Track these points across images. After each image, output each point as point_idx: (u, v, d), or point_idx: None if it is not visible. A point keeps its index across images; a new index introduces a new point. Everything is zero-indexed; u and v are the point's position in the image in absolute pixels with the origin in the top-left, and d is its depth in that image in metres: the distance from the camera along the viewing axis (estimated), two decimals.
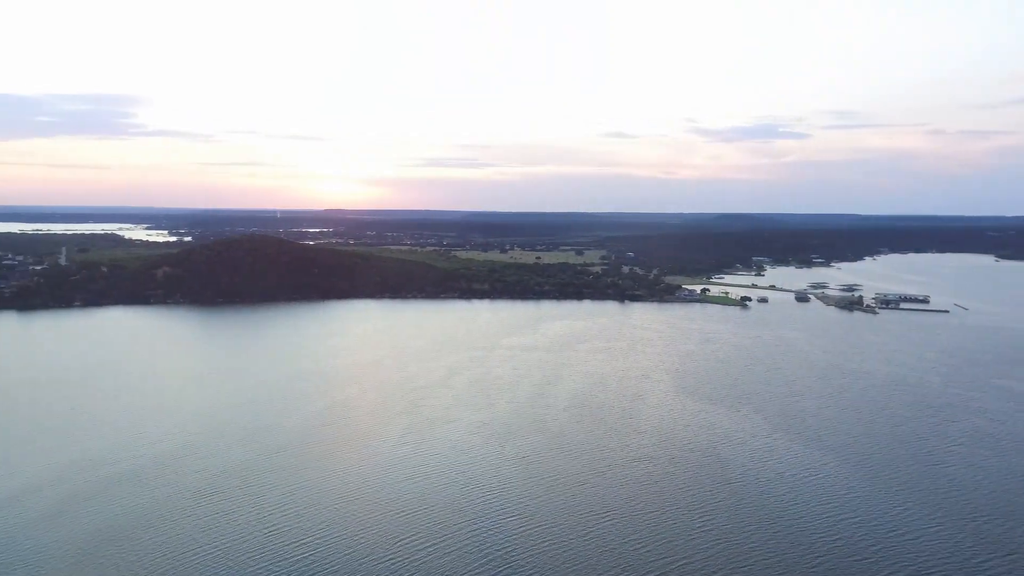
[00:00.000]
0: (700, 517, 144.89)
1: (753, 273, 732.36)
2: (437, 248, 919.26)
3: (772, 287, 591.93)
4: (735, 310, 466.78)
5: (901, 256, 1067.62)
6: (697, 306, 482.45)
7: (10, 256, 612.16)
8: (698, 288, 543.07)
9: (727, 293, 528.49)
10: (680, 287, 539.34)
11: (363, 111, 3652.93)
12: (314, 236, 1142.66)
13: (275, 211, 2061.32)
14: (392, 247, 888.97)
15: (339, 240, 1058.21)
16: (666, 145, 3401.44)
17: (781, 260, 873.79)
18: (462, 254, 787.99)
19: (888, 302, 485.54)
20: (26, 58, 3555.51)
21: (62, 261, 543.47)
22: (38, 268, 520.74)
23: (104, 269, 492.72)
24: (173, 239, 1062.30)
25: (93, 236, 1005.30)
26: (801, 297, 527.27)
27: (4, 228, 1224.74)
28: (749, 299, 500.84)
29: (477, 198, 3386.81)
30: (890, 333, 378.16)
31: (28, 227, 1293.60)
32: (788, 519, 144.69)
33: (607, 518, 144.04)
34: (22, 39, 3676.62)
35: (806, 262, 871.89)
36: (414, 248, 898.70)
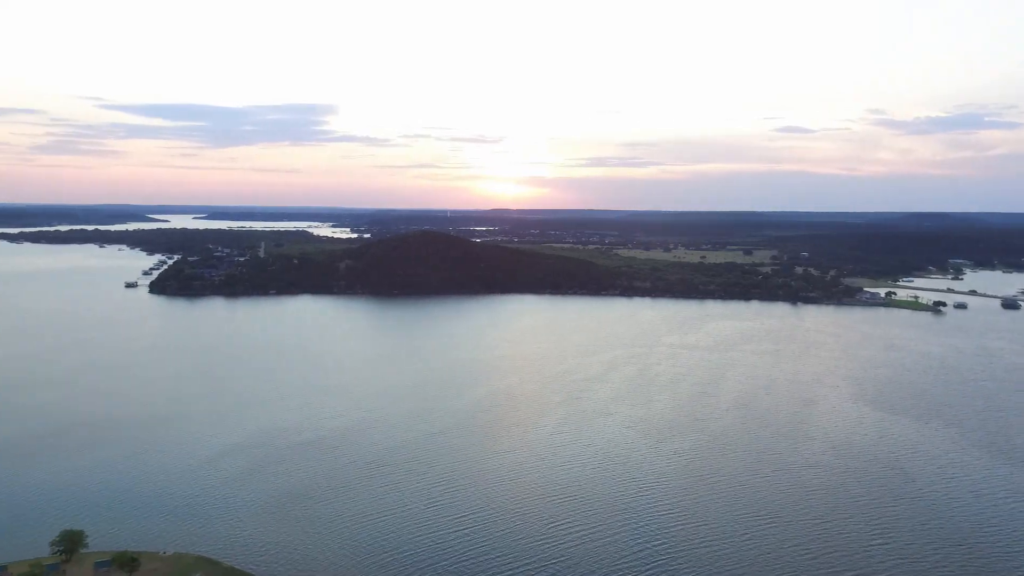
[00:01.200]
0: (876, 531, 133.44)
1: (949, 277, 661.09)
2: (599, 246, 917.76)
3: (972, 292, 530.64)
4: (926, 316, 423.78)
5: None
6: (881, 310, 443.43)
7: (220, 249, 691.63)
8: (882, 291, 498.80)
9: (917, 297, 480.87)
10: (861, 289, 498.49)
11: (529, 113, 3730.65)
12: (480, 234, 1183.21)
13: (445, 211, 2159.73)
14: (554, 245, 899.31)
15: (504, 238, 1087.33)
16: (847, 139, 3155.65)
17: (984, 263, 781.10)
18: (624, 252, 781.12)
19: None
20: (236, 74, 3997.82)
21: (261, 254, 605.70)
22: (241, 260, 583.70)
23: (295, 261, 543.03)
24: (354, 236, 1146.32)
25: (286, 233, 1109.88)
26: (1009, 303, 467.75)
27: (215, 225, 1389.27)
28: (944, 304, 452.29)
29: (640, 197, 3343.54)
30: None
31: (234, 224, 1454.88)
32: (984, 544, 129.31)
33: (770, 522, 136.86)
34: (233, 57, 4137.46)
35: (1016, 266, 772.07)
36: (576, 246, 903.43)
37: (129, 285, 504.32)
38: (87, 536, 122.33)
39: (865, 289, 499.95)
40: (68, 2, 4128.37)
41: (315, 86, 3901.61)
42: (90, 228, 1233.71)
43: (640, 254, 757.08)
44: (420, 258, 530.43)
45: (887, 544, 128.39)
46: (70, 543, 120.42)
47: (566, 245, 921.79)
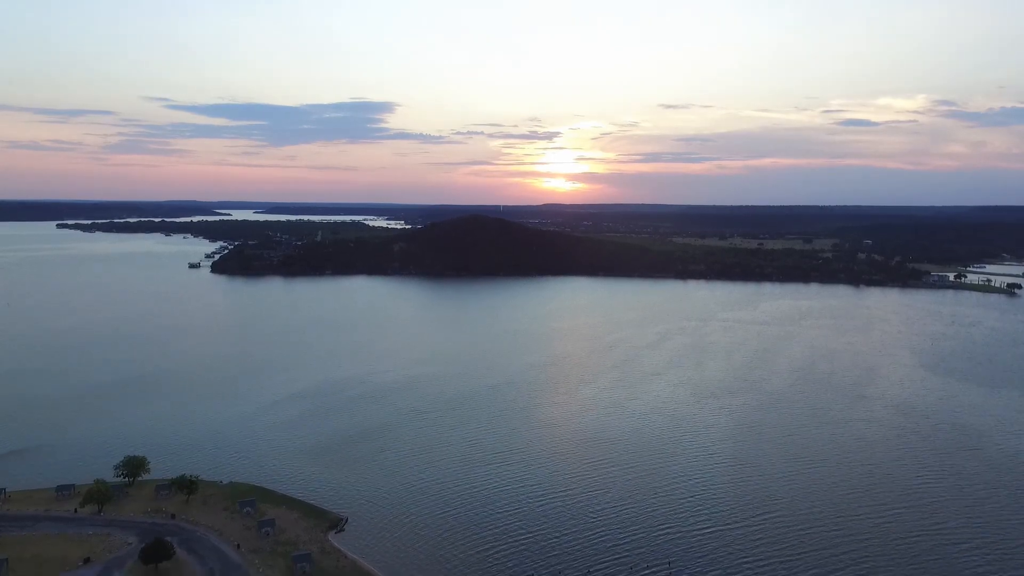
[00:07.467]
0: (931, 475, 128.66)
1: None
2: (653, 235, 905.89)
3: None
4: (999, 297, 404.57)
5: None
6: (949, 292, 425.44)
7: (278, 235, 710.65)
8: (951, 275, 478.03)
9: (989, 280, 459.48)
10: (928, 273, 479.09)
11: (582, 110, 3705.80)
12: (533, 227, 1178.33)
13: (498, 206, 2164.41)
14: (608, 235, 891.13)
15: (557, 230, 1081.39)
16: (913, 133, 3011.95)
17: None
18: (679, 239, 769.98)
19: None
20: (295, 74, 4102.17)
21: (319, 239, 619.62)
22: (299, 243, 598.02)
23: (351, 244, 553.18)
24: (408, 227, 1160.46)
25: (343, 224, 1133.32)
26: None
27: (273, 218, 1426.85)
28: (1019, 287, 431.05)
29: (695, 192, 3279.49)
30: None
31: (292, 218, 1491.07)
32: None
33: (816, 465, 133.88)
34: (292, 57, 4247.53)
35: None
36: (629, 235, 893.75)
37: (192, 266, 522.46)
38: (149, 463, 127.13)
39: (932, 273, 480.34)
40: (136, 8, 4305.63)
41: (371, 85, 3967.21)
42: (157, 220, 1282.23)
43: (695, 241, 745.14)
44: (474, 241, 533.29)
45: (940, 485, 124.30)
46: (132, 468, 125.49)
47: (619, 235, 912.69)
